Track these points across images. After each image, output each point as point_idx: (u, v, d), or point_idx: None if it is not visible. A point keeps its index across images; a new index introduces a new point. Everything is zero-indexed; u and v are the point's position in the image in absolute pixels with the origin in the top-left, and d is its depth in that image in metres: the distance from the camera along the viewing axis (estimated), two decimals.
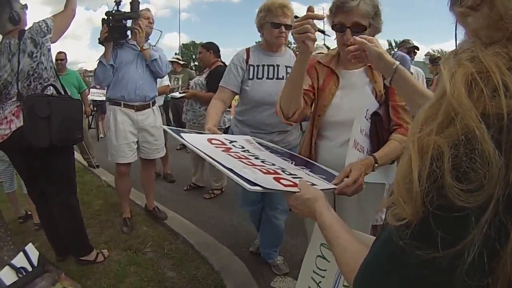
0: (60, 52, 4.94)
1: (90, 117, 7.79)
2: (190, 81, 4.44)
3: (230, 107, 3.31)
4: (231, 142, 1.33)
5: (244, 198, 2.43)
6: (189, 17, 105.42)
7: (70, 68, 5.31)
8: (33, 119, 2.08)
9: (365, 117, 1.34)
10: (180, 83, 5.38)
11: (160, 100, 4.36)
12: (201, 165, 4.22)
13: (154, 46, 3.09)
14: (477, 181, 0.36)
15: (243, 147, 1.30)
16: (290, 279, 2.39)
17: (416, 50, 4.18)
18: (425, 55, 7.15)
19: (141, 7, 2.99)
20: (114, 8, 2.84)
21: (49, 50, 2.26)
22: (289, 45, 2.40)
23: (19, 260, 1.71)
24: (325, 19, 1.33)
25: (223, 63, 3.86)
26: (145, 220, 3.29)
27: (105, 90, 3.30)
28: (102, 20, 2.80)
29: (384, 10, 1.37)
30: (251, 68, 2.09)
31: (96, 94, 7.47)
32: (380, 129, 1.38)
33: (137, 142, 3.05)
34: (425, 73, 4.63)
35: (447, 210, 0.38)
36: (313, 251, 1.09)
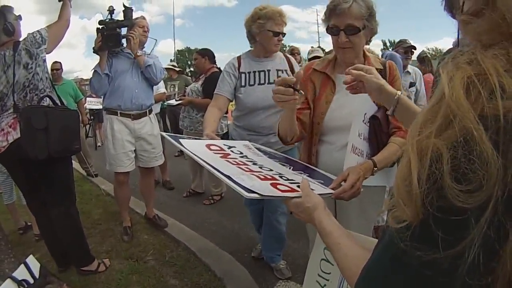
0: (55, 62, 4.94)
1: (88, 126, 7.79)
2: (186, 87, 4.45)
3: (226, 112, 3.33)
4: (229, 147, 1.33)
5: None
6: (183, 23, 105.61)
7: (66, 77, 5.33)
8: (30, 131, 2.07)
9: (363, 121, 1.33)
10: (176, 89, 5.38)
11: (156, 108, 4.35)
12: (200, 171, 4.21)
13: (149, 54, 3.09)
14: (476, 182, 0.37)
15: (241, 153, 1.30)
16: (293, 283, 2.38)
17: (413, 50, 4.18)
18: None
19: (135, 14, 3.00)
20: (108, 17, 2.85)
21: (44, 60, 2.26)
22: (284, 49, 2.44)
23: (21, 273, 1.70)
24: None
25: (219, 68, 3.87)
26: (145, 228, 3.28)
27: (102, 99, 3.30)
28: (96, 29, 2.80)
29: (378, 10, 1.37)
30: (243, 75, 2.15)
31: (93, 103, 7.47)
32: (379, 132, 1.37)
33: (135, 150, 3.04)
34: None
35: (447, 211, 0.38)
36: (317, 255, 1.10)
